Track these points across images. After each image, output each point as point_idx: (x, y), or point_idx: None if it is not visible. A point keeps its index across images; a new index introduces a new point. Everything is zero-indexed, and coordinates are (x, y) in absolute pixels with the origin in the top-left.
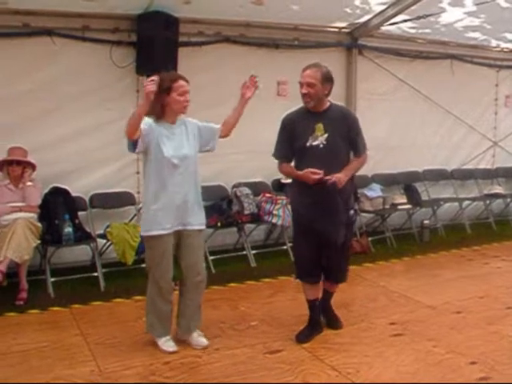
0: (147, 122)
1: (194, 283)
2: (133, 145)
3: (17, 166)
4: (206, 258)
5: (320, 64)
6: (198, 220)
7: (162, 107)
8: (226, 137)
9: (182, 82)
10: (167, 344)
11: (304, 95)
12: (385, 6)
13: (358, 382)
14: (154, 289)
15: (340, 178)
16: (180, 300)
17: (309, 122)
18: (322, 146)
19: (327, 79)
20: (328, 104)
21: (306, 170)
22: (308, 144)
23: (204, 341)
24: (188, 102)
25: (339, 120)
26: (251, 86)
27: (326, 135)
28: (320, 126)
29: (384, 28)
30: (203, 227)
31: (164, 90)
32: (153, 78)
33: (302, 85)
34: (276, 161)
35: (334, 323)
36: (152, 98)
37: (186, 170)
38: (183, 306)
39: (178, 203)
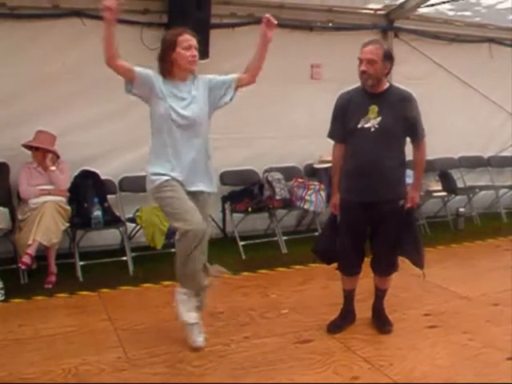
0: (149, 72)
1: None
2: (130, 85)
3: (36, 151)
4: (236, 244)
5: (381, 41)
6: (205, 184)
7: (169, 65)
8: (249, 84)
9: (187, 36)
10: (189, 315)
11: (362, 73)
12: None
13: (390, 374)
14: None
15: (413, 198)
16: None
17: (363, 102)
18: (373, 129)
19: (389, 57)
20: (387, 85)
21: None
22: (359, 126)
23: (199, 340)
24: (195, 57)
25: (397, 104)
26: (271, 24)
27: (379, 118)
28: (374, 108)
29: (421, 10)
30: (211, 190)
31: (169, 45)
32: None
33: (361, 61)
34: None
35: (385, 326)
36: (112, 17)
37: (194, 131)
38: None
39: (184, 164)
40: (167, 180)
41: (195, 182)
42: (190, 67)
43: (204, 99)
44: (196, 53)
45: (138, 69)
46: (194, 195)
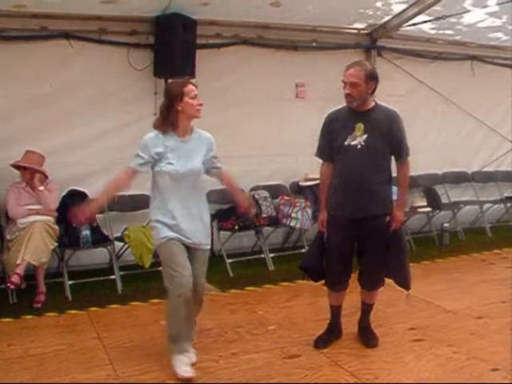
0: (146, 147)
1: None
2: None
3: (24, 171)
4: (224, 261)
5: (364, 62)
6: (204, 240)
7: (175, 115)
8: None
9: (191, 87)
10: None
11: (347, 95)
12: (405, 6)
13: None
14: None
15: (398, 217)
16: None
17: (349, 120)
18: (360, 146)
19: (371, 78)
20: (373, 104)
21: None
22: (346, 143)
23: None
24: (201, 106)
25: (382, 122)
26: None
27: (365, 136)
28: (360, 125)
29: (403, 29)
30: (208, 247)
31: (176, 96)
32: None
33: (344, 84)
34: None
35: (371, 340)
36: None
37: (195, 185)
38: None
39: (183, 220)
40: (168, 239)
41: (195, 233)
42: (197, 115)
43: (202, 155)
44: (202, 101)
45: (138, 165)
46: (193, 251)
